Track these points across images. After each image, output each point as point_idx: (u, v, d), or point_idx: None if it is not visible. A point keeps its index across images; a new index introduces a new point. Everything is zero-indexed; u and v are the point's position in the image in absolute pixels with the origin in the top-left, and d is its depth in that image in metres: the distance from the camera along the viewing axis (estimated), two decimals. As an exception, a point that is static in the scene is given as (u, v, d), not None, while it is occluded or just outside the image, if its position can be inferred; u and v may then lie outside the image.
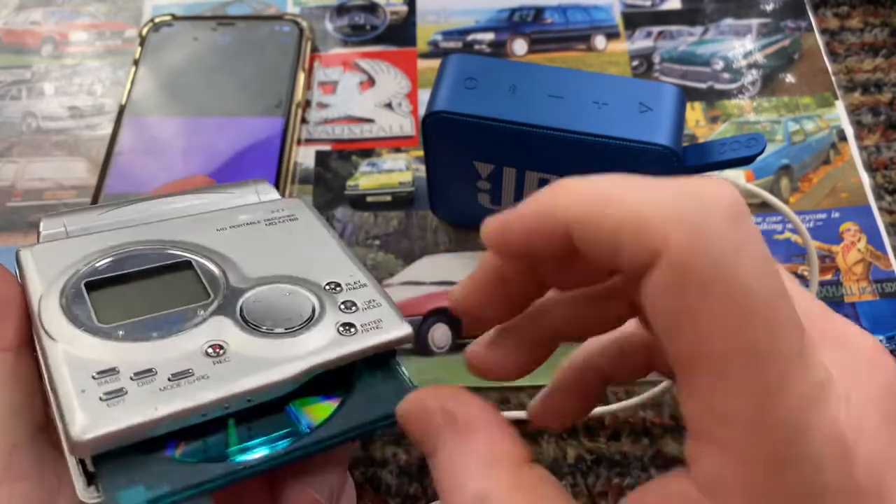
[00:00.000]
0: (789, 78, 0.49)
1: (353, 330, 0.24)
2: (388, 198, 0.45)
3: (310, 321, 0.24)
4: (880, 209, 0.43)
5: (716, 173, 0.37)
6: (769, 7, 0.52)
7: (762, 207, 0.44)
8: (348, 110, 0.48)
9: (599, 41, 0.51)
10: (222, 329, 0.24)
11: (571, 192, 0.20)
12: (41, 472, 0.23)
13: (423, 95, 0.48)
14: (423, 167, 0.45)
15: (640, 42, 0.51)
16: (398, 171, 0.46)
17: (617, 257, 0.18)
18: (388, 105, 0.48)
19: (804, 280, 0.41)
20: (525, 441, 0.20)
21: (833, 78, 0.48)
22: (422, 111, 0.42)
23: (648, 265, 0.17)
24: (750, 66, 0.49)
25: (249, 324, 0.24)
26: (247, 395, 0.22)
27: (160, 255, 0.26)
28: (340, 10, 0.53)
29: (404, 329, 0.25)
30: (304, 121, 0.48)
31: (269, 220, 0.28)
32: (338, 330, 0.24)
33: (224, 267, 0.26)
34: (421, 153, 0.46)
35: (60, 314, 0.24)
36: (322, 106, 0.49)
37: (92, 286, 0.25)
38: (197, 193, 0.30)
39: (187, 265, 0.26)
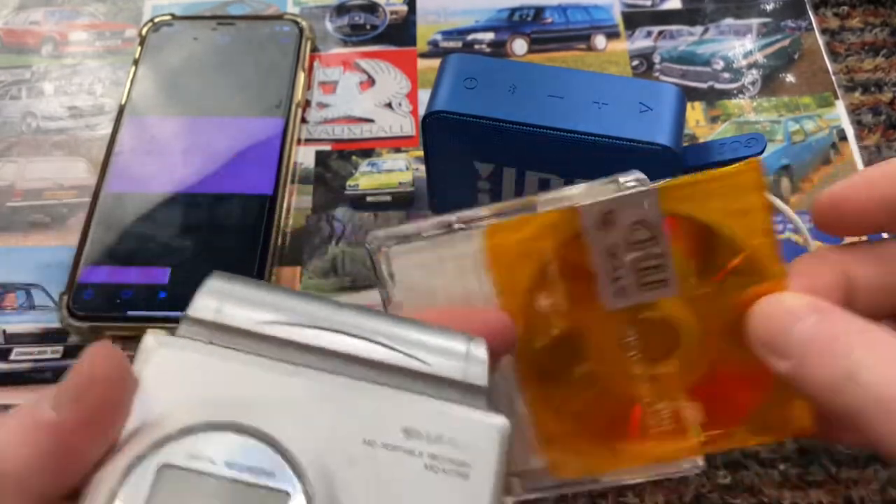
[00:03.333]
0: (789, 78, 0.49)
1: None
2: (388, 198, 0.45)
3: None
4: (880, 209, 0.43)
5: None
6: (769, 7, 0.52)
7: (762, 207, 0.44)
8: (348, 110, 0.48)
9: (599, 41, 0.51)
10: None
11: None
12: None
13: (423, 95, 0.48)
14: (423, 167, 0.45)
15: (640, 42, 0.51)
16: (398, 171, 0.46)
17: None
18: (388, 105, 0.48)
19: (804, 280, 0.41)
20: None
21: (833, 78, 0.48)
22: (422, 111, 0.42)
23: None
24: (750, 66, 0.49)
25: None
26: None
27: (264, 467, 0.19)
28: (340, 10, 0.53)
29: None
30: (304, 121, 0.48)
31: (434, 458, 0.20)
32: None
33: None
34: (421, 153, 0.46)
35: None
36: (322, 106, 0.48)
37: (164, 471, 0.18)
38: (402, 335, 0.21)
39: (284, 497, 0.18)
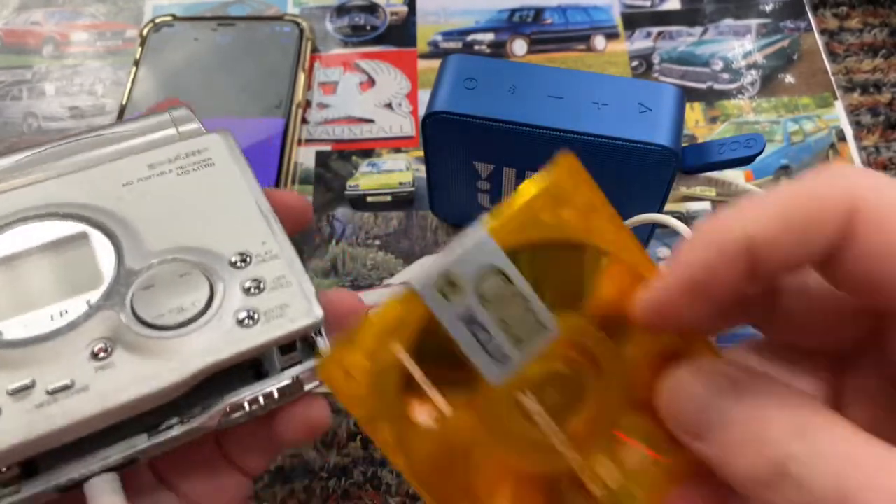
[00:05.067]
0: (788, 78, 0.49)
1: (254, 319, 0.22)
2: (388, 198, 0.45)
3: (206, 310, 0.22)
4: (879, 209, 0.43)
5: (715, 173, 0.37)
6: (768, 7, 0.52)
7: (761, 207, 0.44)
8: (348, 110, 0.48)
9: (599, 42, 0.51)
10: (109, 325, 0.22)
11: (861, 178, 0.17)
12: None
13: (423, 96, 0.49)
14: (423, 167, 0.45)
15: (640, 42, 0.51)
16: (398, 171, 0.46)
17: None
18: (389, 105, 0.49)
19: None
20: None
21: (832, 78, 0.48)
22: (422, 111, 0.42)
23: None
24: (749, 67, 0.49)
25: (138, 317, 0.22)
26: (131, 406, 0.21)
27: (55, 226, 0.24)
28: (341, 11, 0.53)
29: (312, 316, 0.22)
30: (304, 121, 0.48)
31: (182, 167, 0.26)
32: (237, 320, 0.22)
33: (122, 240, 0.24)
34: (421, 153, 0.46)
35: None
36: (322, 106, 0.49)
37: None
38: (112, 128, 0.27)
39: (84, 239, 0.24)
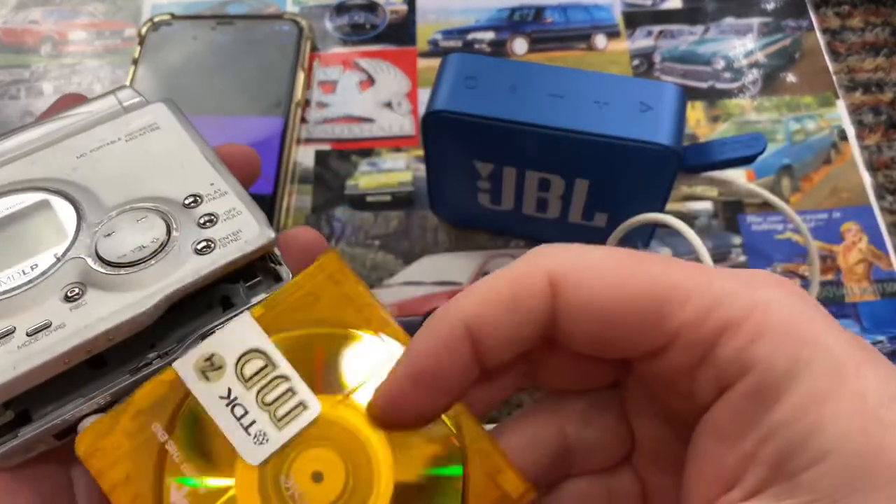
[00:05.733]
0: (790, 77, 0.48)
1: (210, 247, 0.24)
2: (388, 198, 0.45)
3: (165, 245, 0.24)
4: (881, 209, 0.43)
5: (717, 173, 0.37)
6: (770, 6, 0.52)
7: (763, 207, 0.43)
8: (348, 110, 0.48)
9: (600, 40, 0.51)
10: (78, 270, 0.24)
11: (559, 254, 0.20)
12: None
13: (423, 95, 0.48)
14: (423, 167, 0.44)
15: (641, 41, 0.51)
16: (398, 170, 0.46)
17: (641, 332, 0.18)
18: (388, 104, 0.48)
19: (805, 280, 0.41)
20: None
21: (834, 77, 0.48)
22: (422, 110, 0.42)
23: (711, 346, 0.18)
24: (751, 66, 0.49)
25: (104, 259, 0.24)
26: (106, 336, 0.22)
27: (16, 199, 0.26)
28: (340, 9, 0.53)
29: (264, 236, 0.24)
30: (303, 120, 0.48)
31: (130, 134, 0.28)
32: (195, 249, 0.24)
33: (81, 200, 0.26)
34: (421, 153, 0.46)
35: None
36: (322, 105, 0.48)
37: None
38: (61, 116, 0.29)
39: (45, 205, 0.26)
